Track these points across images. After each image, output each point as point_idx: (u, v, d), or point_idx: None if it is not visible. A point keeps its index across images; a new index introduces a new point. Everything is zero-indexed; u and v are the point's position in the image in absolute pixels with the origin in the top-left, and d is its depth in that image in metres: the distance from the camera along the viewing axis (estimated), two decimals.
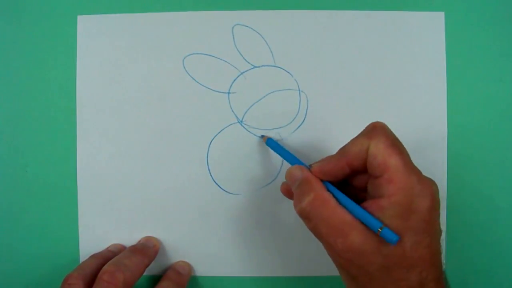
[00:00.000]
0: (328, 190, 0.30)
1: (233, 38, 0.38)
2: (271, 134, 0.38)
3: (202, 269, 0.39)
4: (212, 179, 0.39)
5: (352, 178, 0.31)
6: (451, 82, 0.38)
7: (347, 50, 0.38)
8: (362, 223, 0.28)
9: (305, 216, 0.29)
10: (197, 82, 0.38)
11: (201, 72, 0.38)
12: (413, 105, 0.38)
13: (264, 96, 0.38)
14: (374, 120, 0.28)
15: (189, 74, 0.38)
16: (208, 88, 0.38)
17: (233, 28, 0.38)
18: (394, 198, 0.27)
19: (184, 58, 0.38)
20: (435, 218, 0.28)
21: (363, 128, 0.29)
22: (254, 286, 0.39)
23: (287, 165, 0.38)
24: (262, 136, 0.38)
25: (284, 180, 0.38)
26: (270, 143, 0.37)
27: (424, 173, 0.38)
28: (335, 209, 0.28)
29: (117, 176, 0.38)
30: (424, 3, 0.38)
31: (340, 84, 0.38)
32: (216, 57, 0.38)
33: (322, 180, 0.31)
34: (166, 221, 0.39)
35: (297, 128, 0.38)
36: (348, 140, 0.30)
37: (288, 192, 0.33)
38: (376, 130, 0.29)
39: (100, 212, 0.39)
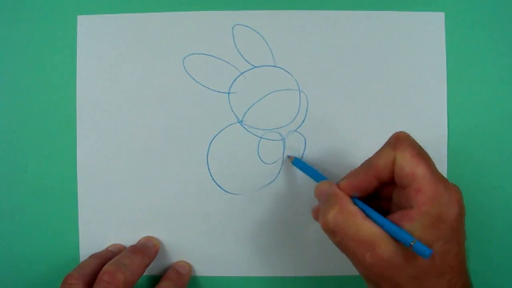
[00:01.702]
0: (356, 205, 0.30)
1: (233, 38, 0.38)
2: (271, 135, 0.38)
3: (202, 269, 0.39)
4: (212, 179, 0.39)
5: (378, 189, 0.31)
6: (451, 82, 0.38)
7: (347, 50, 0.38)
8: (389, 235, 0.28)
9: (330, 229, 0.29)
10: (197, 82, 0.38)
11: (201, 72, 0.38)
12: (413, 105, 0.38)
13: (264, 96, 0.38)
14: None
15: (189, 74, 0.38)
16: (208, 88, 0.38)
17: (233, 28, 0.38)
18: (424, 208, 0.27)
19: (184, 58, 0.38)
20: (462, 225, 0.28)
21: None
22: (255, 286, 0.39)
23: (287, 165, 0.38)
24: (288, 157, 0.38)
25: (283, 182, 0.38)
26: (297, 163, 0.37)
27: None
28: (362, 222, 0.28)
29: (117, 176, 0.38)
30: (424, 3, 0.38)
31: (340, 84, 0.38)
32: (216, 57, 0.38)
33: (349, 196, 0.30)
34: (166, 221, 0.39)
35: (297, 128, 0.38)
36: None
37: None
38: (400, 140, 0.29)
39: (100, 212, 0.39)
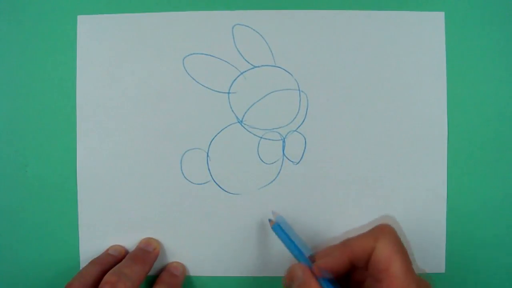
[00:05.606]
0: None
1: (233, 38, 0.38)
2: (271, 134, 0.38)
3: (201, 269, 0.39)
4: (212, 179, 0.39)
5: (352, 272, 0.32)
6: (451, 82, 0.38)
7: (347, 50, 0.38)
8: None
9: None
10: (197, 82, 0.38)
11: (201, 72, 0.38)
12: (413, 105, 0.38)
13: (264, 96, 0.38)
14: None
15: (189, 74, 0.38)
16: (208, 88, 0.38)
17: (233, 28, 0.38)
18: None
19: (184, 58, 0.38)
20: None
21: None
22: (255, 286, 0.39)
23: (287, 165, 0.38)
24: (270, 220, 0.37)
25: (283, 182, 0.38)
26: (277, 229, 0.36)
27: (424, 173, 0.39)
28: None
29: (117, 176, 0.38)
30: (424, 3, 0.38)
31: (340, 84, 0.38)
32: (216, 57, 0.38)
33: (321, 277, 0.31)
34: (166, 221, 0.39)
35: (297, 128, 0.38)
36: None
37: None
38: (384, 233, 0.30)
39: (100, 212, 0.39)
